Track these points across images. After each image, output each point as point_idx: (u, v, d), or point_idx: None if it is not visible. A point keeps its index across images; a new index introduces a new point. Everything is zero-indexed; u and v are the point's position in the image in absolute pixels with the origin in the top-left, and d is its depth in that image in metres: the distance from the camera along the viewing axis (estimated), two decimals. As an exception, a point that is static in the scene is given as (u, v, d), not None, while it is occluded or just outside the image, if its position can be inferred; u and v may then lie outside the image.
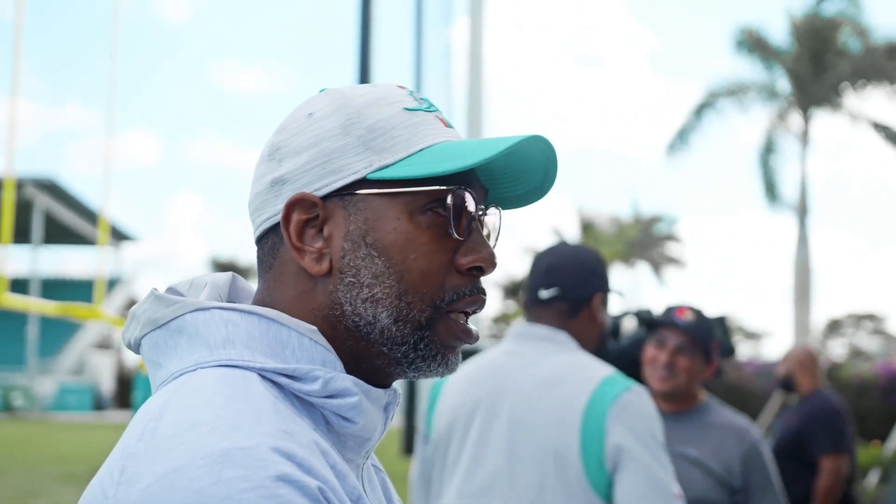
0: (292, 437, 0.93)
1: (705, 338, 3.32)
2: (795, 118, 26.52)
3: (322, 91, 1.16)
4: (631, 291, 52.14)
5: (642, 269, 52.09)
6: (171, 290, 1.13)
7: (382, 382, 1.12)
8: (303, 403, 1.03)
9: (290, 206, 1.07)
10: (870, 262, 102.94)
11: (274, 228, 1.11)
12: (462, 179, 1.09)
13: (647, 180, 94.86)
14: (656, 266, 50.94)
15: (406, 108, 1.10)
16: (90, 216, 45.06)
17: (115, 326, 37.65)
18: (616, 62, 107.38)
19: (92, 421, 37.18)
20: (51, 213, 45.32)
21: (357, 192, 1.07)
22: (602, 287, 2.63)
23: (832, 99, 25.87)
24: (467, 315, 1.11)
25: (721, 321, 3.78)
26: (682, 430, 3.29)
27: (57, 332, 48.28)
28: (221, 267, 58.45)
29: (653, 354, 3.36)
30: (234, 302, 1.17)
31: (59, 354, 49.16)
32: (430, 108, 1.13)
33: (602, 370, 2.47)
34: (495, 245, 1.17)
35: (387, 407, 1.11)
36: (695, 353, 3.32)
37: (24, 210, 40.06)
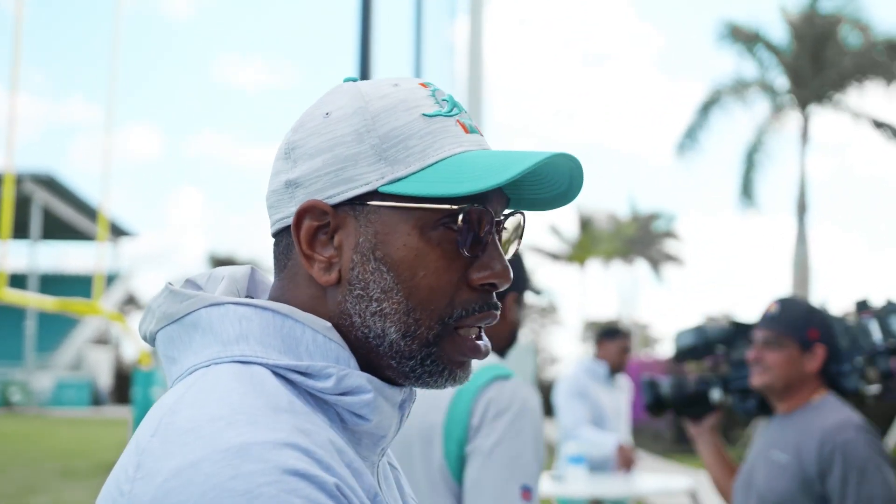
0: (308, 435, 0.92)
1: (793, 327, 3.12)
2: (794, 115, 26.54)
3: (347, 81, 1.14)
4: (629, 289, 52.18)
5: (641, 266, 52.10)
6: (189, 282, 1.12)
7: (397, 383, 1.10)
8: (317, 401, 1.02)
9: (301, 213, 1.06)
10: (868, 259, 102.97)
11: (288, 229, 1.09)
12: (477, 194, 1.05)
13: (648, 178, 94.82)
14: (655, 263, 50.94)
15: (424, 115, 1.07)
16: (89, 211, 45.05)
17: (113, 322, 37.64)
18: (619, 61, 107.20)
19: (90, 416, 37.18)
20: (49, 209, 45.30)
21: (368, 203, 1.05)
22: (517, 286, 2.57)
23: (831, 96, 25.88)
24: (479, 329, 1.10)
25: (894, 308, 3.35)
26: (782, 431, 3.14)
27: (55, 328, 48.27)
28: (220, 263, 58.38)
29: (747, 354, 3.22)
30: (252, 296, 1.16)
31: (58, 349, 49.16)
32: (451, 112, 1.09)
33: (488, 359, 2.33)
34: (517, 248, 1.16)
35: (402, 405, 1.10)
36: (783, 346, 3.12)
37: (22, 205, 40.03)
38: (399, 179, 1.04)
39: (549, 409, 16.04)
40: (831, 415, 3.07)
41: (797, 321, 3.14)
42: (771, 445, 3.15)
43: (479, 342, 1.09)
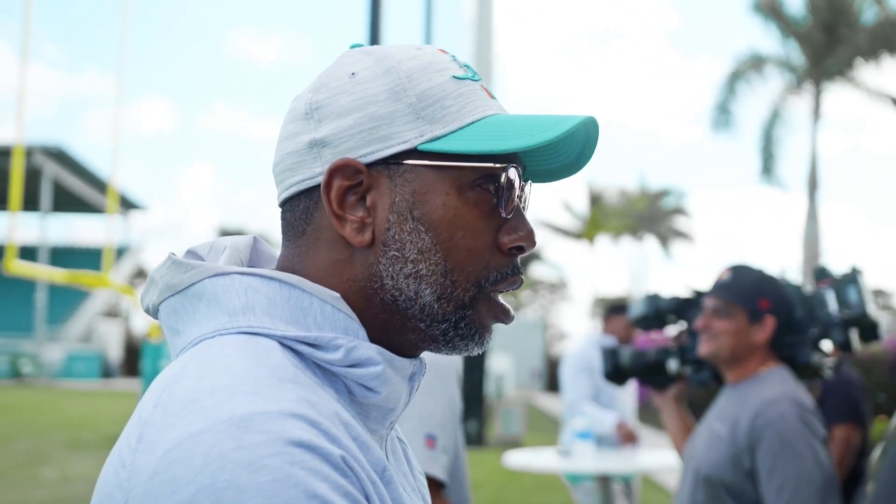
0: (314, 406, 0.90)
1: (743, 296, 3.03)
2: (808, 91, 26.44)
3: (355, 47, 1.12)
4: (639, 265, 52.14)
5: (650, 242, 52.06)
6: (190, 252, 1.10)
7: (410, 354, 1.08)
8: (324, 373, 1.00)
9: (333, 172, 1.02)
10: (879, 237, 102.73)
11: (308, 191, 1.06)
12: (510, 156, 1.05)
13: (660, 154, 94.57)
14: (664, 240, 50.89)
15: (455, 77, 1.06)
16: (99, 184, 45.11)
17: (123, 294, 37.74)
18: (633, 37, 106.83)
19: (99, 388, 37.37)
20: (59, 181, 45.36)
21: (405, 161, 1.03)
22: None
23: (846, 73, 25.75)
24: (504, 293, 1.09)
25: (853, 277, 3.25)
26: (726, 402, 3.07)
27: (65, 300, 48.45)
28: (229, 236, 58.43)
29: (696, 322, 3.14)
30: (255, 266, 1.13)
31: (68, 322, 49.35)
32: (475, 78, 1.08)
33: None
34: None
35: (412, 377, 1.08)
36: (731, 314, 3.04)
37: (32, 178, 40.10)
38: (438, 138, 1.02)
39: (556, 385, 16.03)
40: (771, 388, 2.97)
41: (747, 290, 3.06)
42: (714, 416, 3.10)
43: (507, 307, 1.08)
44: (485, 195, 1.04)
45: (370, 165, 1.03)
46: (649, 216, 49.31)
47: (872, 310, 3.20)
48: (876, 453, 2.64)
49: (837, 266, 3.32)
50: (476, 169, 1.03)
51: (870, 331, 3.23)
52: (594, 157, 1.12)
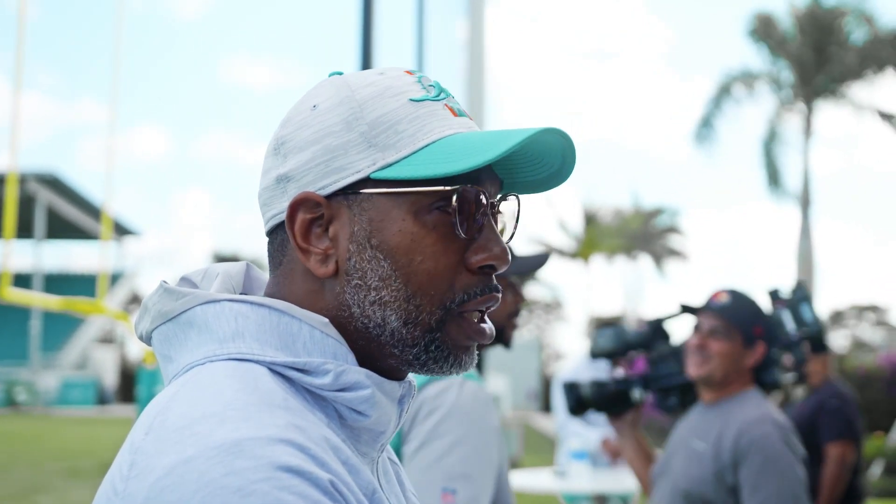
0: (303, 431, 0.92)
1: (742, 320, 3.13)
2: (799, 109, 26.57)
3: (331, 75, 1.13)
4: (633, 284, 52.11)
5: (644, 261, 52.02)
6: (184, 279, 1.12)
7: (396, 376, 1.09)
8: (314, 397, 1.01)
9: (295, 206, 1.05)
10: (873, 253, 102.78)
11: (281, 225, 1.08)
12: (470, 175, 1.05)
13: (654, 173, 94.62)
14: (658, 258, 50.85)
15: (412, 100, 1.06)
16: (93, 211, 45.06)
17: (117, 321, 37.66)
18: (627, 56, 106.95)
19: (95, 415, 37.18)
20: (53, 208, 45.30)
21: (361, 191, 1.04)
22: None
23: (836, 90, 25.88)
24: (482, 313, 1.08)
25: (803, 295, 3.41)
26: (704, 420, 3.16)
27: (60, 327, 48.25)
28: (224, 262, 58.36)
29: (689, 341, 3.21)
30: (247, 292, 1.15)
31: (62, 349, 49.12)
32: (439, 97, 1.08)
33: None
34: (514, 233, 1.14)
35: (401, 399, 1.09)
36: (730, 337, 3.13)
37: (26, 205, 40.07)
38: (390, 165, 1.03)
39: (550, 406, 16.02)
40: (752, 408, 3.08)
41: (746, 315, 3.16)
42: (691, 434, 3.17)
43: (483, 325, 1.08)
44: (444, 217, 1.04)
45: (331, 197, 1.05)
46: (643, 235, 49.30)
47: (823, 324, 3.38)
48: (875, 470, 2.76)
49: (828, 283, 3.45)
50: (431, 193, 1.04)
51: (818, 343, 3.41)
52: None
